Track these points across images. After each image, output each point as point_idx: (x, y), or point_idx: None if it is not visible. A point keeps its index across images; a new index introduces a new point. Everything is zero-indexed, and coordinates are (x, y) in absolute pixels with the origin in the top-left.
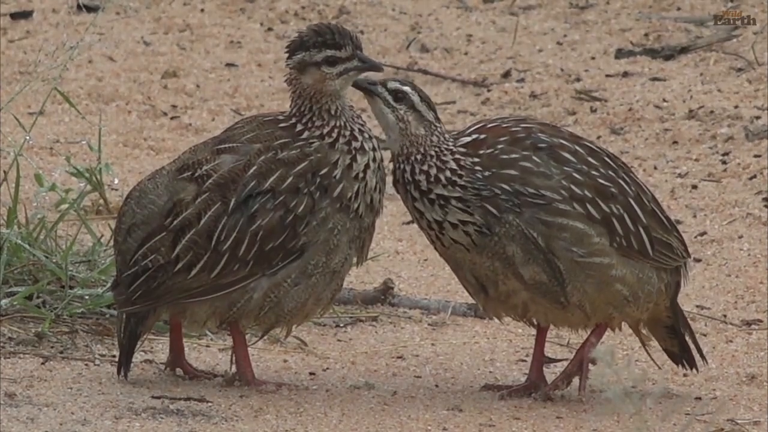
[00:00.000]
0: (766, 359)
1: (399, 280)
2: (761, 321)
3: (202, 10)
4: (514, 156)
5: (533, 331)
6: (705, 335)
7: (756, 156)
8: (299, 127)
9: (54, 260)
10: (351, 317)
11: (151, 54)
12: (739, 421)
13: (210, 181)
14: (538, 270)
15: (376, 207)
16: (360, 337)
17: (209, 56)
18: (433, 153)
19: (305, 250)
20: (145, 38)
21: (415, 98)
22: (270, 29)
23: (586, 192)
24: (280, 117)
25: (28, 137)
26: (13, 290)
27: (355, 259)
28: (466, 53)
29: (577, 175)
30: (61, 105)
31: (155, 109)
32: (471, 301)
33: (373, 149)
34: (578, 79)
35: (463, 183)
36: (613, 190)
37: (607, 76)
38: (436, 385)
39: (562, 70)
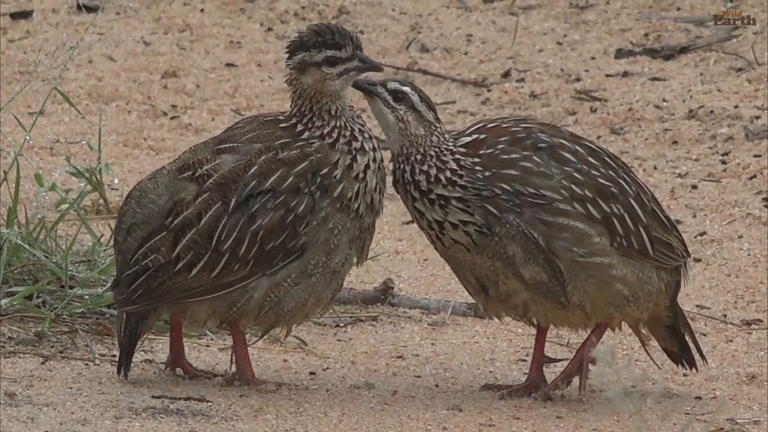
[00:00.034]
0: (766, 359)
1: (399, 279)
2: (761, 321)
3: (202, 10)
4: (514, 156)
5: (533, 331)
6: (705, 335)
7: (756, 156)
8: (300, 127)
9: (54, 260)
10: (351, 317)
11: (151, 54)
12: (739, 421)
13: (210, 180)
14: (539, 270)
15: (376, 207)
16: (360, 336)
17: (209, 56)
18: (433, 153)
19: (305, 250)
20: (145, 38)
21: (415, 98)
22: (270, 29)
23: (587, 192)
24: (281, 117)
25: (28, 137)
26: (13, 290)
27: (355, 259)
28: (466, 53)
29: (577, 175)
30: (61, 105)
31: (155, 109)
32: (471, 300)
33: (374, 149)
34: (578, 79)
35: (463, 183)
36: (613, 189)
37: (607, 76)
38: (436, 385)
39: (562, 70)
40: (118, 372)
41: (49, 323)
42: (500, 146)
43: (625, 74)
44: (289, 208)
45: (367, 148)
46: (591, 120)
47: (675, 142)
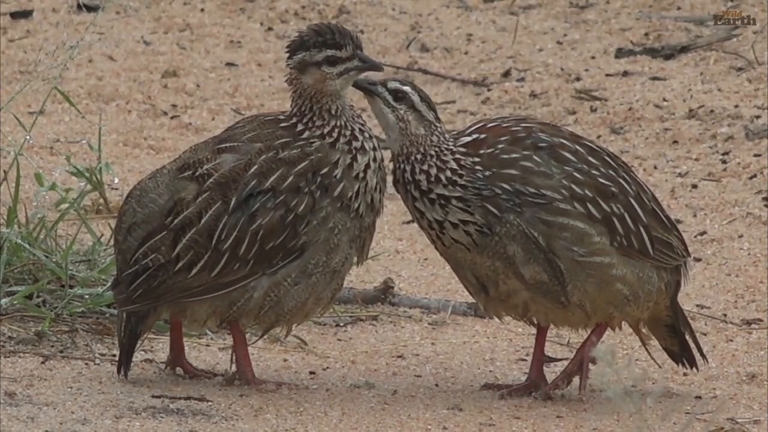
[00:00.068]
0: (766, 358)
1: (399, 279)
2: (761, 320)
3: (202, 10)
4: (514, 155)
5: (533, 331)
6: (705, 334)
7: (756, 155)
8: (300, 126)
9: (54, 259)
10: (351, 316)
11: (151, 53)
12: (739, 420)
13: (211, 180)
14: (539, 269)
15: (376, 207)
16: (360, 336)
17: (209, 56)
18: (433, 153)
19: (305, 250)
20: (145, 38)
21: (415, 98)
22: (270, 29)
23: (587, 191)
24: (281, 117)
25: (28, 137)
26: (13, 289)
27: (355, 259)
28: (466, 53)
29: (577, 175)
30: (62, 104)
31: (155, 109)
32: (471, 300)
33: (374, 149)
34: (578, 79)
35: (463, 183)
36: (613, 189)
37: (607, 75)
38: (437, 385)
39: (562, 69)
40: (118, 371)
41: (49, 323)
42: (500, 146)
43: (626, 74)
44: (290, 207)
45: (367, 148)
46: (591, 119)
47: (675, 142)
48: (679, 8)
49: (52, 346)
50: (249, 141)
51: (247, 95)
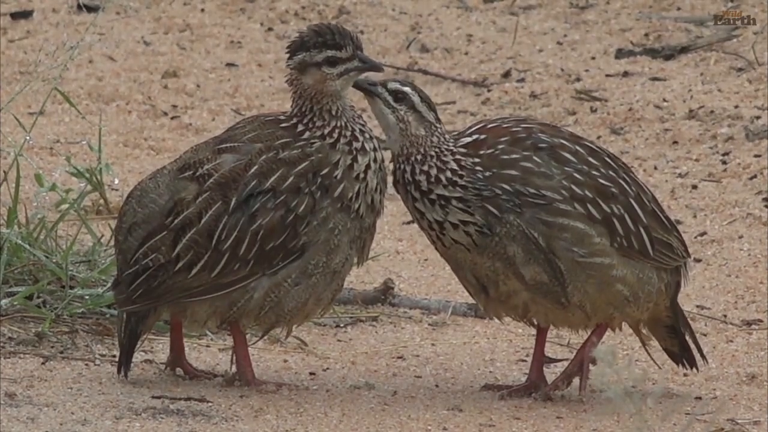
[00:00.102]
0: (766, 359)
1: (399, 280)
2: (761, 321)
3: (203, 10)
4: (514, 156)
5: (533, 331)
6: (705, 335)
7: (756, 156)
8: (300, 127)
9: (54, 260)
10: (351, 317)
11: (152, 54)
12: (739, 421)
13: (211, 180)
14: (539, 270)
15: (377, 207)
16: (360, 337)
17: (209, 56)
18: (433, 153)
19: (306, 250)
20: (146, 38)
21: (416, 99)
22: (270, 29)
23: (587, 192)
24: (282, 117)
25: (28, 137)
26: (14, 290)
27: (355, 260)
28: (466, 53)
29: (577, 176)
30: (62, 105)
31: (155, 109)
32: (471, 301)
33: (374, 149)
34: (578, 79)
35: (463, 183)
36: (613, 190)
37: (607, 76)
38: (437, 385)
39: (562, 70)
40: (119, 372)
41: (50, 323)
42: (500, 146)
43: (626, 74)
44: (290, 208)
45: (367, 149)
46: (591, 120)
47: (675, 142)
48: (679, 8)
49: (53, 347)
50: (249, 141)
51: (248, 96)
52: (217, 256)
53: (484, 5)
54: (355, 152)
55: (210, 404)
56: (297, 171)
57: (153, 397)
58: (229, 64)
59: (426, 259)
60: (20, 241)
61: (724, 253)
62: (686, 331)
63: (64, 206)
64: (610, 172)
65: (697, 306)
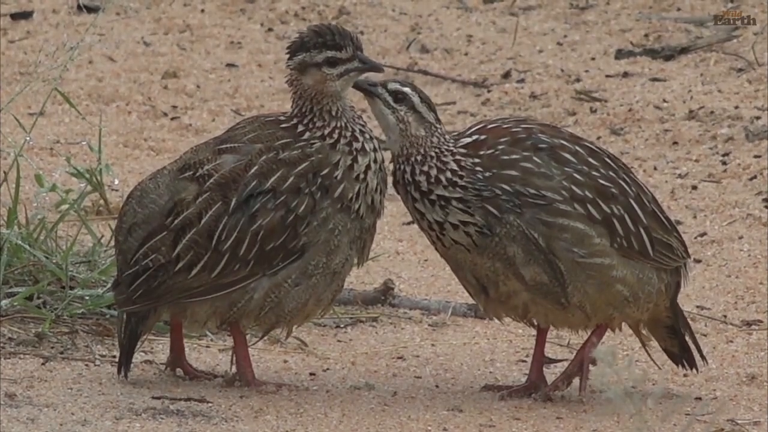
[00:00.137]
0: (766, 359)
1: (399, 280)
2: (761, 321)
3: (203, 11)
4: (514, 157)
5: (533, 332)
6: (705, 335)
7: (756, 156)
8: (300, 127)
9: (54, 261)
10: (351, 318)
11: (152, 54)
12: (739, 422)
13: (211, 180)
14: (539, 271)
15: (377, 208)
16: (360, 337)
17: (209, 57)
18: (433, 154)
19: (306, 251)
20: (146, 39)
21: (416, 99)
22: (270, 30)
23: (587, 192)
24: (282, 117)
25: (28, 138)
26: (14, 291)
27: (355, 260)
28: (466, 54)
29: (577, 176)
30: (62, 105)
31: (155, 110)
32: (471, 301)
33: (374, 150)
34: (578, 80)
35: (463, 184)
36: (613, 190)
37: (607, 76)
38: (437, 386)
39: (562, 70)
40: (119, 372)
41: (50, 324)
42: (500, 147)
43: (625, 75)
44: (290, 208)
45: (368, 149)
46: (591, 120)
47: (675, 143)
48: (679, 9)
49: (53, 348)
50: (249, 142)
51: (248, 96)
52: (217, 257)
53: (484, 6)
54: (355, 153)
55: (210, 405)
56: (297, 171)
57: (153, 398)
58: (229, 65)
59: (426, 260)
60: (20, 242)
61: (724, 253)
62: (686, 331)
63: (64, 207)
64: (610, 173)
65: (697, 306)
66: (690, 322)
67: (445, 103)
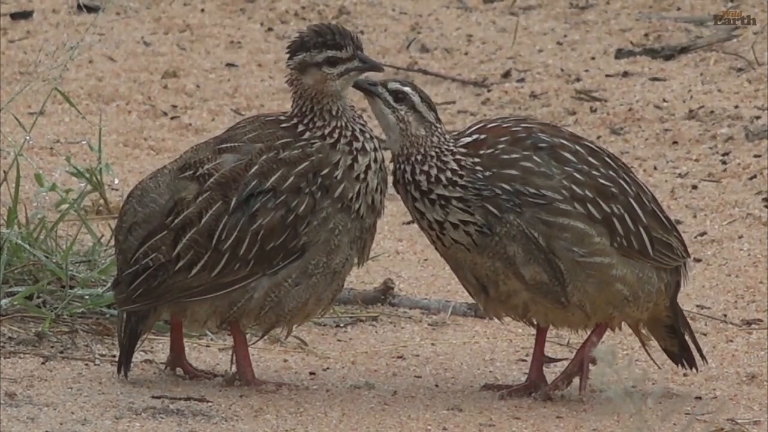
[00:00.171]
0: (766, 359)
1: (399, 280)
2: (761, 321)
3: (203, 11)
4: (514, 156)
5: (533, 331)
6: (705, 335)
7: (756, 156)
8: (301, 127)
9: (54, 260)
10: (351, 317)
11: (151, 54)
12: (739, 421)
13: (211, 180)
14: (539, 270)
15: (377, 207)
16: (360, 337)
17: (209, 56)
18: (433, 153)
19: (306, 250)
20: (146, 38)
21: (416, 99)
22: (270, 29)
23: (587, 192)
24: (282, 117)
25: (28, 137)
26: (14, 290)
27: (356, 260)
28: (466, 53)
29: (577, 175)
30: (62, 105)
31: (155, 109)
32: (471, 301)
33: (375, 150)
34: (578, 79)
35: (463, 183)
36: (613, 190)
37: (607, 76)
38: (436, 385)
39: (562, 70)
40: (118, 372)
41: (50, 323)
42: (500, 146)
43: (625, 74)
44: (290, 208)
45: (368, 149)
46: (591, 120)
47: (675, 143)
48: (679, 9)
49: (52, 347)
50: (250, 141)
51: (247, 96)
52: (217, 256)
53: (484, 5)
54: (355, 152)
55: (210, 404)
56: (297, 171)
57: (153, 397)
58: (229, 64)
59: (426, 259)
60: (20, 241)
61: (724, 253)
62: (686, 331)
63: (64, 206)
64: (610, 172)
65: (697, 306)
66: (690, 321)
67: (445, 103)
